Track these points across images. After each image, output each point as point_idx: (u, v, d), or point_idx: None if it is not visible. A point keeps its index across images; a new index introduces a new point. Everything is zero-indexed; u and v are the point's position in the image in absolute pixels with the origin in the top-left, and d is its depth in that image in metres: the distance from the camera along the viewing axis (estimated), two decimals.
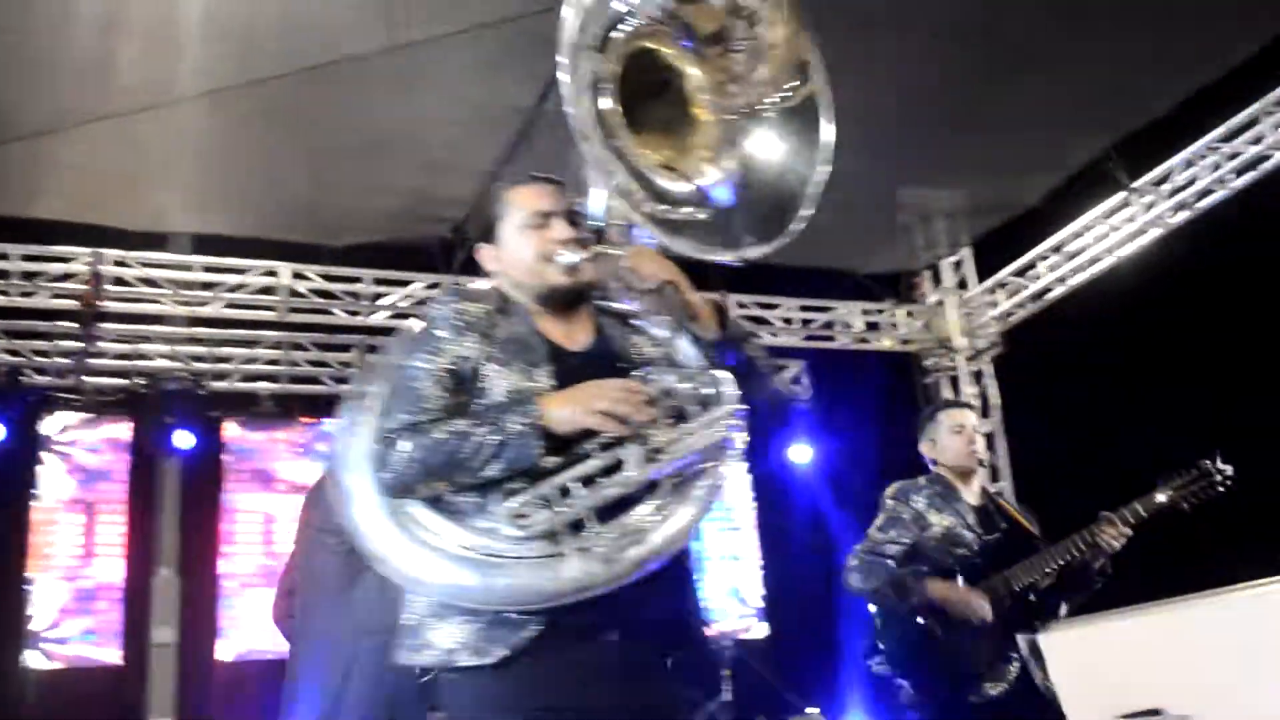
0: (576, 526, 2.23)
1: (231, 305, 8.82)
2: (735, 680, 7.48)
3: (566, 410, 2.28)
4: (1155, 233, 9.01)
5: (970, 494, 4.30)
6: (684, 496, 2.31)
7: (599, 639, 2.30)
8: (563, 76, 2.31)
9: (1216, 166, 8.50)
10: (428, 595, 2.33)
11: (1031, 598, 4.04)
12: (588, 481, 2.26)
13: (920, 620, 4.03)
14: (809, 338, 10.32)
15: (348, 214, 8.64)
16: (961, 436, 4.34)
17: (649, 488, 2.29)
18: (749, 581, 10.88)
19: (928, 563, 4.11)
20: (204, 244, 8.75)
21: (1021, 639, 3.94)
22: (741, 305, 9.88)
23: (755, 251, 2.57)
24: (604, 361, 2.49)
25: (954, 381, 10.21)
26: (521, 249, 2.56)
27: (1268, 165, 8.23)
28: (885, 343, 10.44)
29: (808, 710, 8.29)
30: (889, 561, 4.15)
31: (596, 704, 2.27)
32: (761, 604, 10.77)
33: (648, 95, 2.52)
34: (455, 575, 2.24)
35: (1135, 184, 8.94)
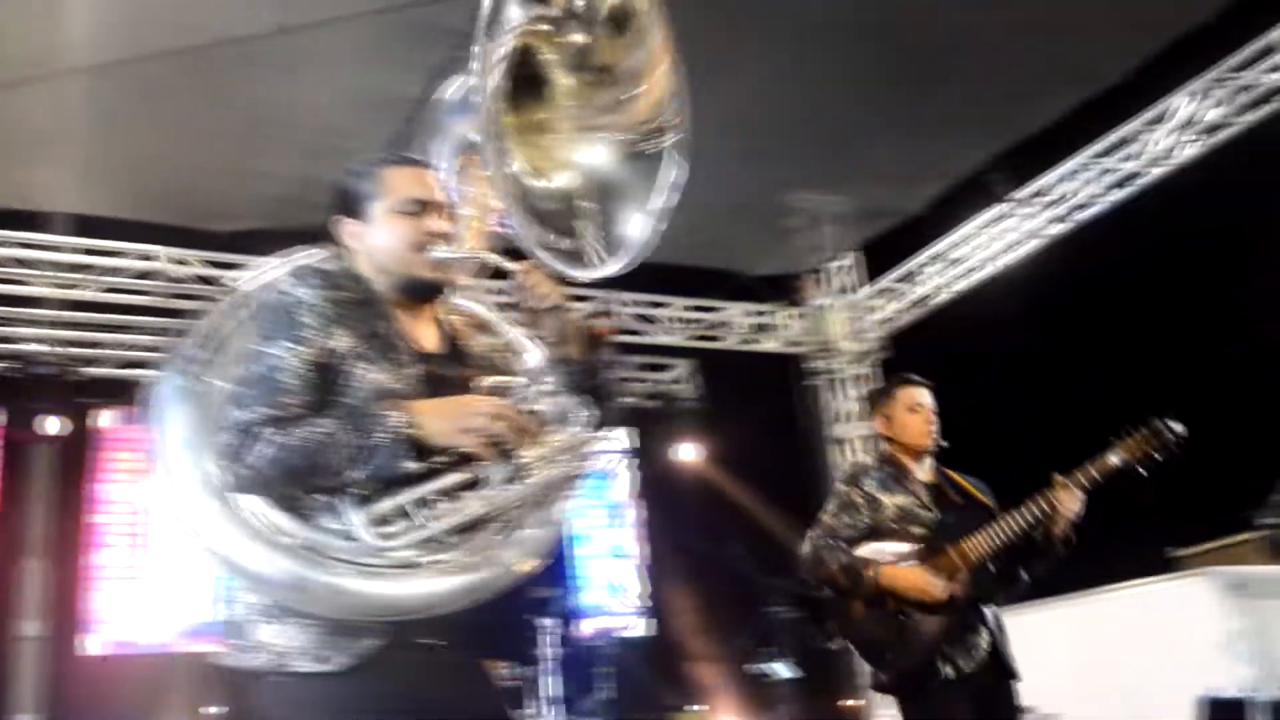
0: (432, 541, 2.17)
1: (108, 289, 8.58)
2: (617, 678, 7.48)
3: (439, 424, 2.18)
4: (1034, 243, 9.28)
5: (923, 471, 4.18)
6: (539, 517, 2.28)
7: (436, 649, 2.23)
8: (477, 65, 2.28)
9: (1093, 181, 8.77)
10: (268, 595, 2.20)
11: (991, 569, 3.96)
12: (448, 495, 2.20)
13: (883, 601, 3.94)
14: (696, 338, 10.40)
15: (230, 199, 8.47)
16: (918, 415, 4.17)
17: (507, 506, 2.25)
18: (632, 579, 10.93)
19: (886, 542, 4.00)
20: (80, 225, 8.48)
21: (987, 611, 3.93)
22: (630, 304, 9.92)
23: (598, 273, 2.54)
24: (460, 365, 2.44)
25: (838, 384, 10.37)
26: (391, 235, 2.42)
27: (1141, 181, 8.51)
28: (772, 344, 10.56)
29: (691, 708, 8.34)
30: (844, 545, 4.01)
31: (430, 715, 2.19)
32: (645, 601, 10.82)
33: (527, 95, 2.51)
34: (301, 575, 2.12)
35: (1015, 195, 9.18)
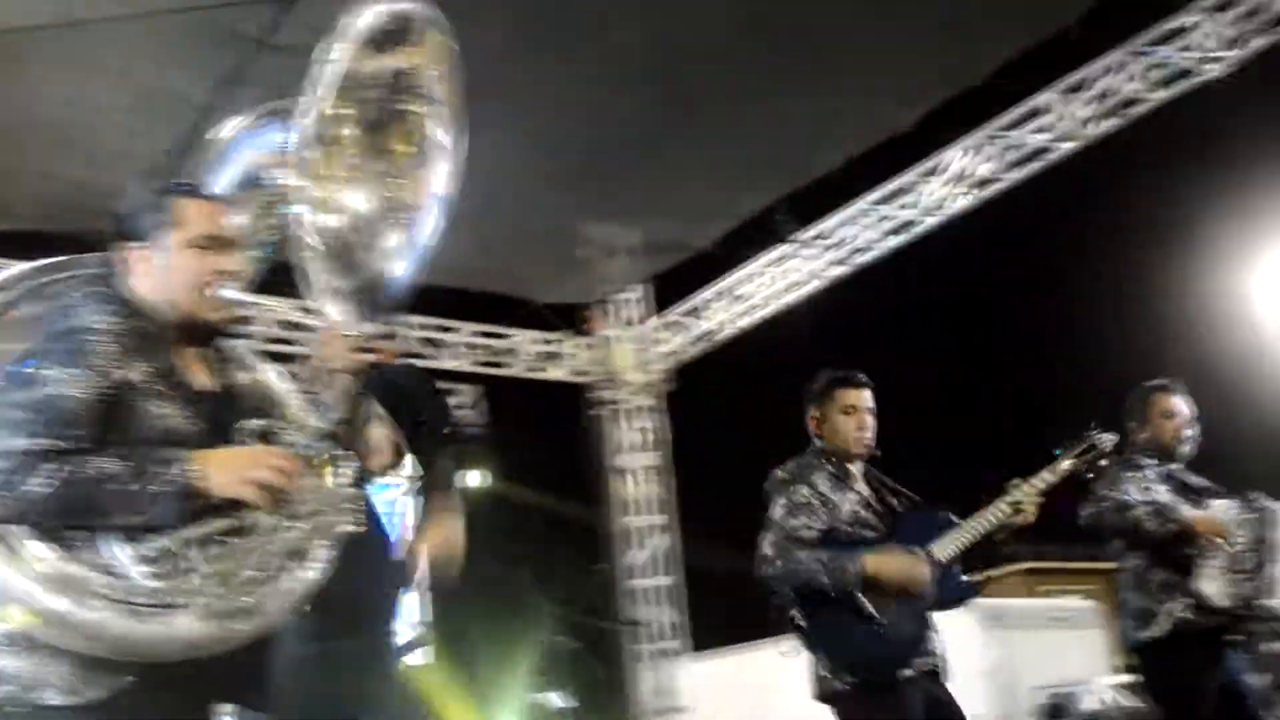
0: (197, 583, 2.09)
1: None
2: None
3: (224, 476, 2.11)
4: (815, 284, 9.61)
5: (856, 470, 4.04)
6: (303, 563, 2.25)
7: (188, 686, 2.15)
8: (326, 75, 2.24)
9: (871, 227, 9.15)
10: (14, 624, 2.07)
11: (955, 570, 3.91)
12: (216, 539, 2.14)
13: (855, 605, 3.73)
14: (483, 364, 10.33)
15: (2, 198, 7.97)
16: (853, 418, 3.98)
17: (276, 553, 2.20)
18: (412, 606, 10.71)
19: (840, 547, 3.82)
20: None
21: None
22: (416, 328, 9.78)
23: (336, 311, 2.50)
24: (233, 406, 2.36)
25: (622, 415, 10.47)
26: (181, 269, 2.31)
27: (917, 229, 8.94)
28: (559, 373, 10.59)
29: None
30: (808, 546, 3.82)
31: None
32: (424, 628, 10.62)
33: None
34: (60, 610, 2.01)
35: (798, 236, 9.49)
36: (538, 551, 9.64)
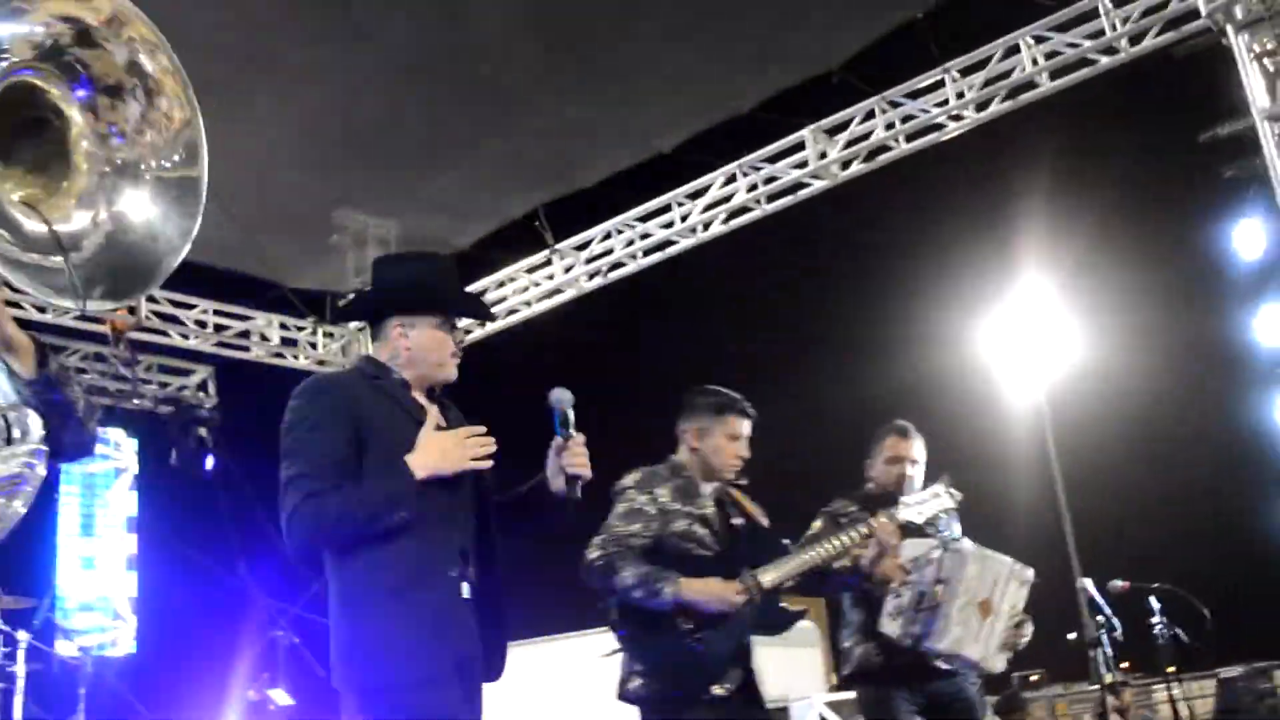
0: None
1: None
2: (90, 698, 6.91)
3: None
4: (570, 293, 9.69)
5: (708, 488, 4.09)
6: None
7: None
8: None
9: (630, 242, 9.30)
10: None
11: (777, 598, 3.96)
12: None
13: (671, 624, 3.79)
14: (221, 344, 9.92)
15: None
16: (734, 445, 4.06)
17: None
18: (123, 594, 10.17)
19: (667, 559, 3.85)
20: None
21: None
22: (152, 300, 9.29)
23: (101, 306, 2.44)
24: None
25: None
26: None
27: (672, 249, 9.14)
28: (301, 361, 10.29)
29: None
30: (635, 554, 3.84)
31: None
32: (132, 617, 10.10)
33: (20, 130, 2.36)
34: None
35: (558, 245, 9.55)
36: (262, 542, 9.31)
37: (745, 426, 4.14)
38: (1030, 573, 4.46)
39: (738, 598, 3.83)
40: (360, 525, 2.79)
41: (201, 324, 9.74)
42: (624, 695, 3.88)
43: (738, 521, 4.10)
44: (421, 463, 2.82)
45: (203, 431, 10.11)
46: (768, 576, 3.92)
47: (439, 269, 3.25)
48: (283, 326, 10.26)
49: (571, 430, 3.09)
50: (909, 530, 4.29)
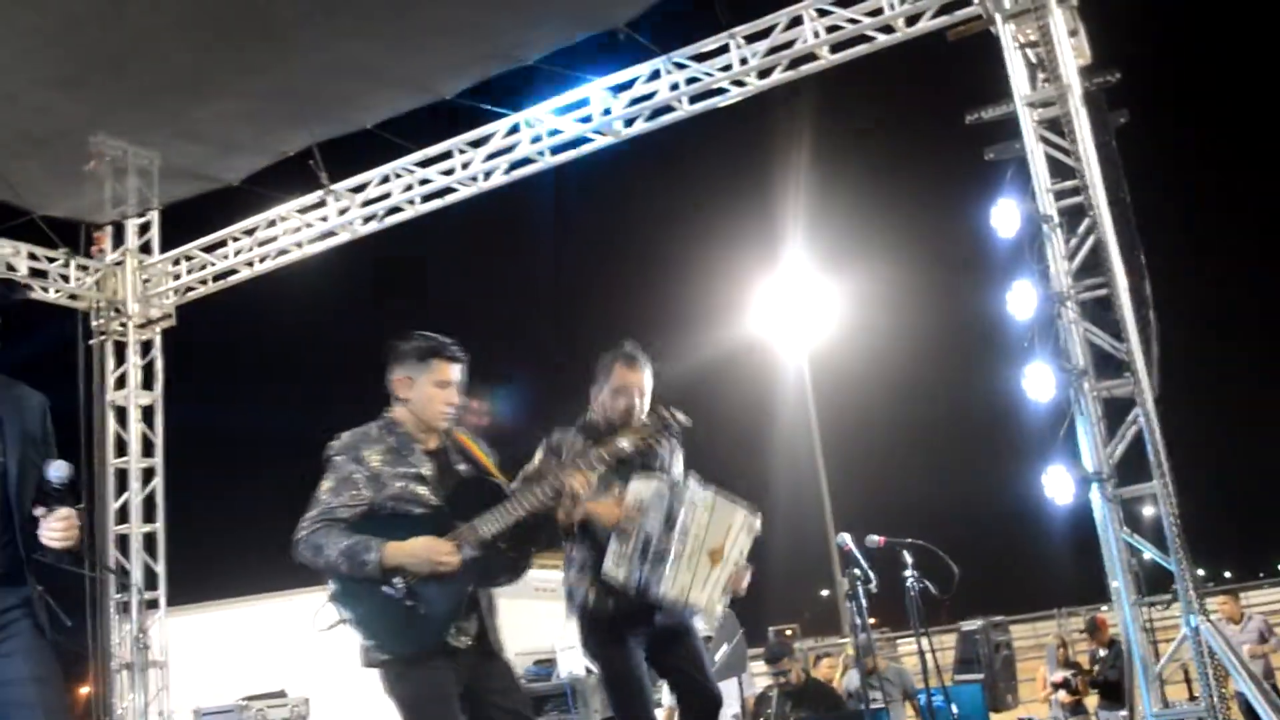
0: None
1: None
2: None
3: None
4: (344, 236, 9.43)
5: (430, 439, 3.92)
6: None
7: None
8: None
9: (408, 188, 9.09)
10: None
11: (503, 546, 3.80)
12: None
13: (385, 588, 3.64)
14: None
15: None
16: (444, 392, 3.87)
17: None
18: None
19: (383, 522, 3.71)
20: None
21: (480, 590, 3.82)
22: None
23: None
24: None
25: (122, 348, 9.78)
26: None
27: (451, 196, 9.00)
28: (52, 294, 9.69)
29: None
30: (343, 526, 3.70)
31: None
32: None
33: None
34: None
35: (334, 186, 9.26)
36: None
37: (454, 371, 3.95)
38: (758, 522, 4.41)
39: (447, 556, 3.73)
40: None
41: None
42: (366, 663, 3.80)
43: (463, 468, 3.98)
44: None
45: None
46: (488, 528, 3.81)
47: None
48: (31, 256, 9.63)
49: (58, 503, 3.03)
50: (629, 463, 4.21)
